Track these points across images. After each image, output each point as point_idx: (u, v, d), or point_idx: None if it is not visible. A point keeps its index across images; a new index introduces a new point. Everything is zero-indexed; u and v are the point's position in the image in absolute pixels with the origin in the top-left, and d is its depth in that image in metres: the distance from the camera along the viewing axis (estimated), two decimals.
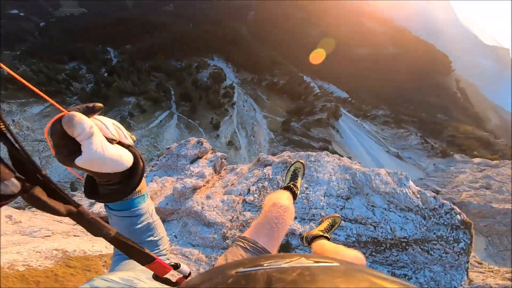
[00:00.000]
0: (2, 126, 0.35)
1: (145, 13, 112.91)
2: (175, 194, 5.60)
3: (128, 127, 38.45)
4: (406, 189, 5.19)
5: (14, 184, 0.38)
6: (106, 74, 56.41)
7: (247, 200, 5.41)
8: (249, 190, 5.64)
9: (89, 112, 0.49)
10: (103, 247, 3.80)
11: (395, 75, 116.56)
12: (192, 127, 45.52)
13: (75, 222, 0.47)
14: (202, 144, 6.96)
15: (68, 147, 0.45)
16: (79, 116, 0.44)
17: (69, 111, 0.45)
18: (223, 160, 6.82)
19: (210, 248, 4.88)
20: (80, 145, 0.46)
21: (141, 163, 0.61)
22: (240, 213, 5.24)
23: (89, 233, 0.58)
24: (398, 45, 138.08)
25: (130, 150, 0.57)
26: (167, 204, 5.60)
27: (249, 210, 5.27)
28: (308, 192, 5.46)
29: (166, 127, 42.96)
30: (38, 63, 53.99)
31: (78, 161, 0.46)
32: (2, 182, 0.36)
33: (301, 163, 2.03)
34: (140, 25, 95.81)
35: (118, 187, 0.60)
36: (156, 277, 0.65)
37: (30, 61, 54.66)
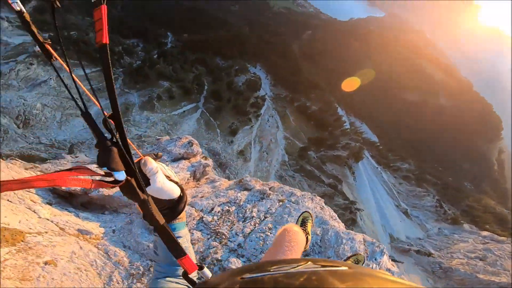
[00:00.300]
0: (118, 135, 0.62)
1: (211, 7, 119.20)
2: None
3: (152, 108, 41.77)
4: (375, 264, 4.60)
5: (124, 175, 0.64)
6: (155, 56, 61.63)
7: (204, 218, 4.96)
8: (212, 209, 5.20)
9: (156, 158, 0.83)
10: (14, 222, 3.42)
11: (436, 130, 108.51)
12: (210, 126, 47.76)
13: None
14: (192, 145, 6.71)
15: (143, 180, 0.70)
16: (150, 160, 0.77)
17: (145, 155, 0.78)
18: (206, 169, 6.56)
19: (139, 255, 4.39)
20: (149, 179, 0.77)
21: (186, 197, 0.90)
22: (190, 230, 4.82)
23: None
24: (452, 98, 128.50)
25: (178, 185, 0.87)
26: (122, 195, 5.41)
27: (200, 231, 4.79)
28: (268, 234, 4.91)
29: (187, 119, 45.71)
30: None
31: (148, 189, 0.76)
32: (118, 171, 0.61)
33: (308, 212, 2.28)
34: (202, 17, 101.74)
35: (168, 211, 0.87)
36: (185, 275, 0.81)
37: None
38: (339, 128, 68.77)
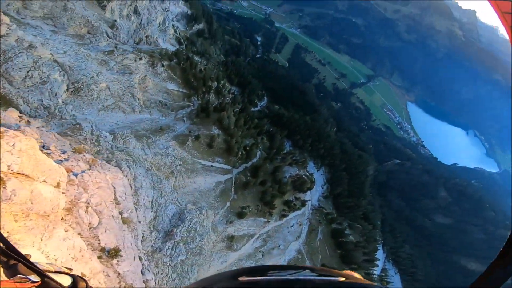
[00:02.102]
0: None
1: (314, 94, 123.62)
2: None
3: (182, 143, 40.07)
4: None
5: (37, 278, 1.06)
6: (237, 110, 64.10)
7: None
8: None
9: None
10: None
11: None
12: (225, 196, 42.17)
13: None
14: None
15: None
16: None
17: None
18: None
19: None
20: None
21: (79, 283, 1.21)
22: None
23: None
24: None
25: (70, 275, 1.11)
26: None
27: None
28: None
29: (208, 175, 41.73)
30: (212, 69, 69.96)
31: None
32: None
33: None
34: (301, 96, 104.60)
35: None
36: None
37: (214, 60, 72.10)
38: (365, 270, 52.27)
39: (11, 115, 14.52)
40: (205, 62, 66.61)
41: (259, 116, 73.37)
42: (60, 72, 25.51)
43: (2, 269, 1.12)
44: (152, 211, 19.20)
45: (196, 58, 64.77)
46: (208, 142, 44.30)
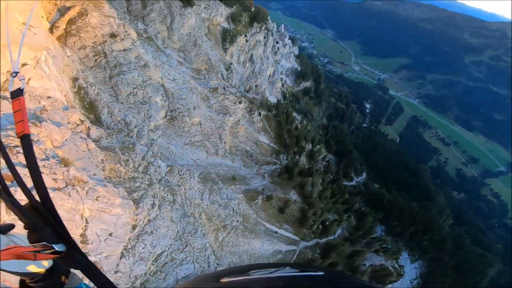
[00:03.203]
0: None
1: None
2: None
3: (258, 208, 33.76)
4: None
5: (63, 247, 0.89)
6: (329, 181, 56.06)
7: None
8: None
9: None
10: None
11: None
12: None
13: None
14: None
15: None
16: None
17: None
18: None
19: None
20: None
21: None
22: None
23: None
24: None
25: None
26: None
27: None
28: None
29: (273, 245, 33.36)
30: (309, 130, 65.46)
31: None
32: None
33: None
34: (412, 177, 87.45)
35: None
36: None
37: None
38: None
39: (70, 115, 12.28)
40: (305, 121, 63.10)
41: (352, 191, 61.29)
42: (163, 97, 25.83)
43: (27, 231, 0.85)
44: (148, 264, 12.72)
45: (297, 117, 62.32)
46: (280, 205, 36.68)
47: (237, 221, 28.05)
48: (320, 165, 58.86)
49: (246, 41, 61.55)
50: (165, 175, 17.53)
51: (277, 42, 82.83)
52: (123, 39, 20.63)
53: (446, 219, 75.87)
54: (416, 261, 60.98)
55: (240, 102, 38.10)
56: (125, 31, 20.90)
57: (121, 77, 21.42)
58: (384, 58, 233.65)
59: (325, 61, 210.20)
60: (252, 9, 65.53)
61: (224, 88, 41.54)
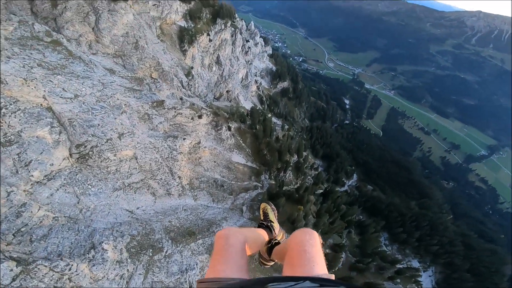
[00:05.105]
0: None
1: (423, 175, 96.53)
2: None
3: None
4: None
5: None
6: (311, 181, 48.52)
7: None
8: None
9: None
10: None
11: None
12: None
13: None
14: None
15: None
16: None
17: None
18: None
19: None
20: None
21: None
22: None
23: None
24: None
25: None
26: None
27: None
28: None
29: None
30: (293, 137, 57.18)
31: None
32: None
33: (265, 203, 2.44)
34: (406, 174, 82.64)
35: None
36: None
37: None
38: None
39: None
40: (286, 126, 54.28)
41: (347, 200, 53.83)
42: (51, 127, 15.26)
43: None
44: None
45: (277, 122, 53.47)
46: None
47: None
48: (309, 177, 50.57)
49: (210, 40, 51.79)
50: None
51: (247, 41, 74.06)
52: None
53: (446, 215, 71.42)
54: (429, 268, 55.54)
55: (200, 117, 27.99)
56: None
57: None
58: (355, 53, 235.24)
59: (300, 59, 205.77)
60: (215, 7, 55.91)
61: (181, 98, 31.37)
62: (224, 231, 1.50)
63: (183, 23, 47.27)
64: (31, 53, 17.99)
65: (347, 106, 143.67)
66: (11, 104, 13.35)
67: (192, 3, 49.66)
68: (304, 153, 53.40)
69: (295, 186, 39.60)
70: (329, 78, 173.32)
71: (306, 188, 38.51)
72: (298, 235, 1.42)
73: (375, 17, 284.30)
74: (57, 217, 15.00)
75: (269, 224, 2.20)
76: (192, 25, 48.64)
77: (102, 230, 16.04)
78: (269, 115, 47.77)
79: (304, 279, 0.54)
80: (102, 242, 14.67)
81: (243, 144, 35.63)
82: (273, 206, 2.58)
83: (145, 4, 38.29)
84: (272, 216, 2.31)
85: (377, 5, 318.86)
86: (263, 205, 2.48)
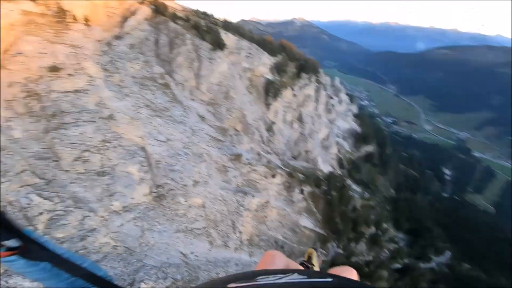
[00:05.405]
0: None
1: None
2: None
3: None
4: None
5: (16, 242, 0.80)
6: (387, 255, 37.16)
7: None
8: None
9: None
10: None
11: None
12: None
13: None
14: None
15: None
16: None
17: None
18: None
19: None
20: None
21: None
22: None
23: None
24: None
25: None
26: None
27: None
28: None
29: None
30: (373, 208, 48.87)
31: None
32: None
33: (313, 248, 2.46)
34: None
35: None
36: None
37: None
38: None
39: None
40: (366, 195, 46.77)
41: (431, 278, 40.29)
42: (141, 165, 16.38)
43: None
44: None
45: (356, 188, 47.07)
46: None
47: None
48: (386, 250, 39.71)
49: (294, 95, 53.15)
50: None
51: (331, 98, 73.23)
52: (72, 75, 12.74)
53: None
54: None
55: (273, 176, 26.38)
56: (77, 64, 13.19)
57: (62, 132, 12.86)
58: (460, 114, 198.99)
59: (389, 120, 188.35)
60: (300, 61, 58.47)
61: (259, 154, 31.12)
62: (274, 251, 1.56)
63: (270, 76, 49.65)
64: (146, 93, 21.27)
65: (448, 177, 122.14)
66: (115, 140, 15.20)
67: (279, 56, 53.02)
68: (384, 225, 43.20)
69: (367, 259, 31.20)
70: (425, 143, 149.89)
71: (380, 263, 29.60)
72: (336, 270, 1.35)
73: (486, 70, 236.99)
74: (117, 246, 14.79)
75: (309, 265, 2.15)
76: (278, 79, 50.65)
77: (150, 267, 14.92)
78: (349, 182, 42.10)
79: (292, 271, 0.57)
80: (143, 281, 13.29)
81: (314, 209, 31.37)
82: (319, 253, 2.52)
83: (239, 54, 41.47)
84: (315, 261, 2.27)
85: (486, 55, 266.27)
86: (310, 249, 2.44)
